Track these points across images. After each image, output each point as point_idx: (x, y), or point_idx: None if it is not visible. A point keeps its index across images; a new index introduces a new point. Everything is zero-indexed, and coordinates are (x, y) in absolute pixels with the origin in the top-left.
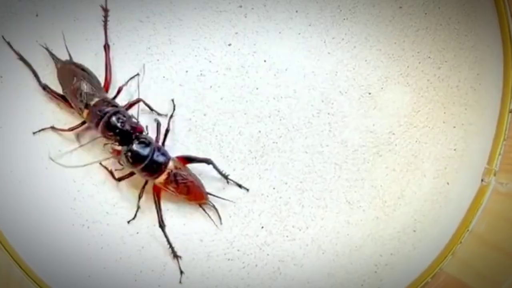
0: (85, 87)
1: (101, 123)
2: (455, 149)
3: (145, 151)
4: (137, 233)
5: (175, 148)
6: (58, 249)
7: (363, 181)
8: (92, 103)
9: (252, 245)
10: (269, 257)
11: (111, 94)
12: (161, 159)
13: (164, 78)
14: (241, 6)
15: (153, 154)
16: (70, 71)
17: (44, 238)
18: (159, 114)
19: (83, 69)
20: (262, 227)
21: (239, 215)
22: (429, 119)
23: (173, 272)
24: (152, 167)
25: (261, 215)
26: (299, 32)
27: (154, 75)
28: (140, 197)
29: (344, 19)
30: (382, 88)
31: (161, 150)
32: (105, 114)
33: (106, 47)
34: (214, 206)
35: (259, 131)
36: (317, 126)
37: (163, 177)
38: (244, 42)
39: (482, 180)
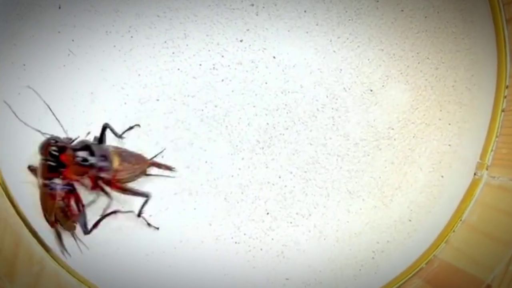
0: None
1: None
2: (449, 145)
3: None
4: (150, 216)
5: (186, 137)
6: None
7: (363, 173)
8: None
9: (258, 229)
10: (274, 241)
11: None
12: None
13: (178, 70)
14: (253, 5)
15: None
16: None
17: None
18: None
19: None
20: (268, 213)
21: (246, 201)
22: (426, 116)
23: (184, 253)
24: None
25: (267, 202)
26: (307, 31)
27: (169, 67)
28: None
29: (349, 20)
30: (383, 85)
31: None
32: None
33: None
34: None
35: (267, 123)
36: (321, 120)
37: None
38: (255, 39)
39: (474, 174)
